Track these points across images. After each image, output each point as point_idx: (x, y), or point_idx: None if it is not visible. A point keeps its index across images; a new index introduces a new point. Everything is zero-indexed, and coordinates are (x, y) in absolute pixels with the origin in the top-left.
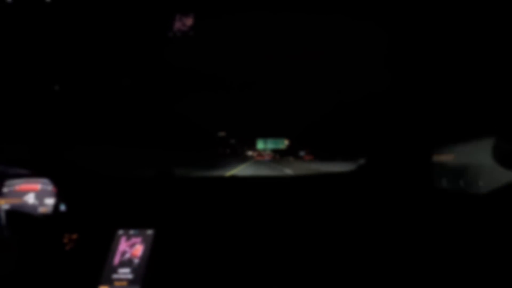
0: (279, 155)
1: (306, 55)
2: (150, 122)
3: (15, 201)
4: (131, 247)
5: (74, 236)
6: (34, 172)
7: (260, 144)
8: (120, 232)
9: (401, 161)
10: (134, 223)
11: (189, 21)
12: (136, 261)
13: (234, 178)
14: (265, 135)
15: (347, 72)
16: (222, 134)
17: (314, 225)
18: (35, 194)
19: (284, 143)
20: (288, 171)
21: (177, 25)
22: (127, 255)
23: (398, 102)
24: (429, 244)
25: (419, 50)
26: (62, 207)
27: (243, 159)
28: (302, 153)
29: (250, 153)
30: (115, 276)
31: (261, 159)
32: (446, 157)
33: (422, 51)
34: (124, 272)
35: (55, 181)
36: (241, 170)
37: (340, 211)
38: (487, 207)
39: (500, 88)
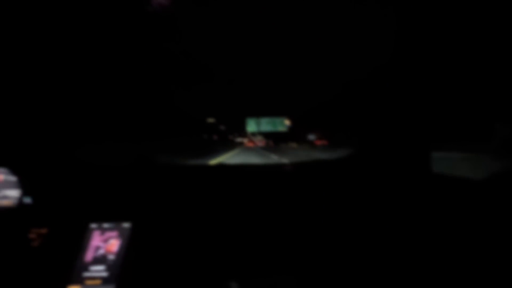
0: (273, 141)
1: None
2: (135, 111)
3: None
4: (106, 242)
5: (43, 231)
6: None
7: (251, 126)
8: (93, 225)
9: (399, 146)
10: (109, 216)
11: None
12: (111, 257)
13: (221, 166)
14: (259, 114)
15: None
16: (211, 120)
17: (305, 216)
18: None
19: (284, 124)
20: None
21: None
22: (101, 251)
23: (400, 87)
24: (428, 230)
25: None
26: (27, 200)
27: (230, 146)
28: (311, 137)
29: (239, 139)
30: (86, 274)
31: (251, 146)
32: None
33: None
34: (98, 270)
35: (15, 170)
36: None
37: (335, 199)
38: (485, 193)
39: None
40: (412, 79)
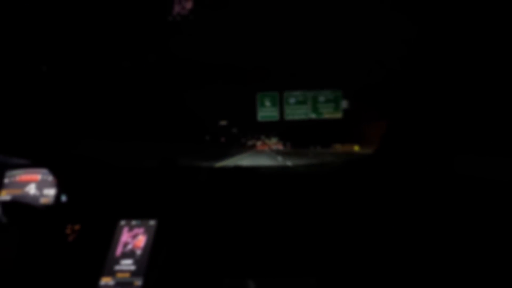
0: (291, 145)
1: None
2: (149, 114)
3: (16, 191)
4: (134, 238)
5: (77, 227)
6: (33, 162)
7: (265, 108)
8: (122, 222)
9: (422, 147)
10: (137, 214)
11: (188, 4)
12: (138, 252)
13: (238, 168)
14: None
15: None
16: (223, 123)
17: (325, 217)
18: (36, 185)
19: (340, 103)
20: None
21: (177, 8)
22: (130, 246)
23: (428, 87)
24: (450, 229)
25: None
26: (63, 198)
27: (237, 150)
28: None
29: (251, 142)
30: (117, 267)
31: (263, 149)
32: None
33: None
34: (127, 264)
35: (54, 171)
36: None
37: (355, 201)
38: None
39: None
40: (440, 79)
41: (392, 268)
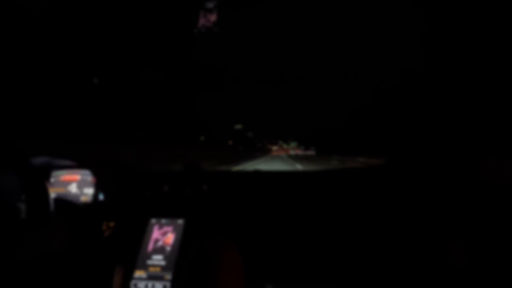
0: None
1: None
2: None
3: (60, 190)
4: (163, 235)
5: (112, 224)
6: (78, 164)
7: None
8: (153, 221)
9: (447, 155)
10: (166, 213)
11: (213, 17)
12: (168, 248)
13: (257, 172)
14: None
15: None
16: (238, 126)
17: (349, 224)
18: (76, 184)
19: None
20: None
21: (202, 21)
22: (160, 243)
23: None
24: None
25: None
26: (101, 197)
27: (250, 155)
28: None
29: (269, 147)
30: (149, 262)
31: (279, 154)
32: None
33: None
34: (158, 259)
35: (95, 172)
36: None
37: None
38: None
39: None
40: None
41: (415, 278)
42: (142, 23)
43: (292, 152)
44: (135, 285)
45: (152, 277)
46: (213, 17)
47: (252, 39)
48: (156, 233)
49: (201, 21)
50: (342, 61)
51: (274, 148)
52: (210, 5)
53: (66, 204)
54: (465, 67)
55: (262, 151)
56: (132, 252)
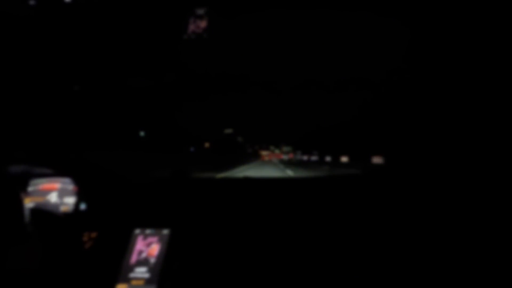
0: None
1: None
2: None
3: (39, 199)
4: (148, 246)
5: (93, 235)
6: (58, 172)
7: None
8: (137, 231)
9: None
10: (151, 223)
11: (203, 23)
12: (152, 260)
13: (247, 179)
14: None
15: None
16: (228, 131)
17: (329, 225)
18: (57, 193)
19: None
20: None
21: (192, 27)
22: (144, 254)
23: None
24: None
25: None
26: (83, 206)
27: (236, 161)
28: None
29: (250, 150)
30: (132, 275)
31: (270, 159)
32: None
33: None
34: (141, 271)
35: (76, 180)
36: None
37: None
38: None
39: None
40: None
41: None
42: (131, 29)
43: (285, 157)
44: None
45: None
46: (203, 24)
47: (244, 45)
48: (140, 244)
49: (191, 28)
50: (334, 66)
51: (265, 153)
52: (200, 11)
53: (43, 214)
54: (464, 67)
55: (254, 157)
56: (114, 265)
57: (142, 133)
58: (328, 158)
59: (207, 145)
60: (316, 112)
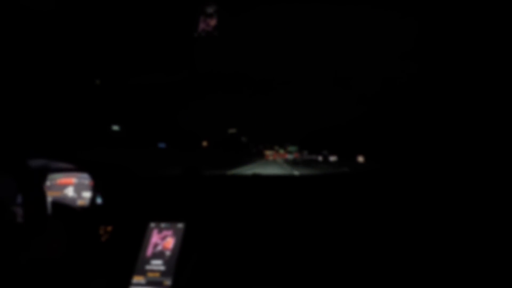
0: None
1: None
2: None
3: (56, 193)
4: (163, 240)
5: (109, 228)
6: (76, 167)
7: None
8: (152, 225)
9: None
10: (165, 217)
11: (213, 22)
12: (167, 253)
13: (256, 176)
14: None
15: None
16: (232, 131)
17: (338, 220)
18: (73, 188)
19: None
20: None
21: (202, 26)
22: (159, 247)
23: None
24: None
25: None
26: (99, 200)
27: (237, 161)
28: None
29: (267, 151)
30: (148, 267)
31: (275, 159)
32: None
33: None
34: (157, 264)
35: (93, 175)
36: None
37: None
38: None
39: None
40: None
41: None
42: (141, 28)
43: (290, 157)
44: None
45: (151, 283)
46: (213, 22)
47: (252, 43)
48: (155, 238)
49: (201, 26)
50: (341, 64)
51: (269, 152)
52: (210, 10)
53: (63, 207)
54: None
55: (258, 157)
56: (131, 257)
57: (116, 127)
58: (333, 158)
59: (205, 144)
60: (323, 111)
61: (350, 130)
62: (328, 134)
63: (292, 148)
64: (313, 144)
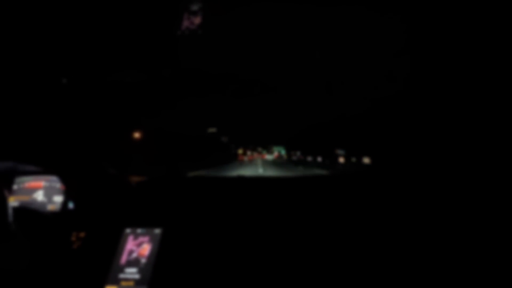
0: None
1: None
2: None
3: (24, 198)
4: (138, 246)
5: (82, 235)
6: (44, 170)
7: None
8: (128, 231)
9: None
10: (142, 222)
11: (197, 20)
12: (143, 260)
13: (241, 178)
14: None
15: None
16: (212, 130)
17: (322, 225)
18: (43, 191)
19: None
20: None
21: (186, 23)
22: (134, 255)
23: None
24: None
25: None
26: (70, 205)
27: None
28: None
29: (240, 151)
30: (122, 276)
31: (256, 158)
32: None
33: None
34: (131, 272)
35: (63, 178)
36: None
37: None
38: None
39: None
40: None
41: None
42: (124, 24)
43: (269, 157)
44: None
45: None
46: (197, 20)
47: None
48: (130, 244)
49: (185, 24)
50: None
51: (242, 152)
52: (194, 7)
53: (27, 213)
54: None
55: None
56: (103, 265)
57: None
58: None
59: (137, 135)
60: (309, 112)
61: (351, 130)
62: (314, 135)
63: (277, 148)
64: (308, 145)
